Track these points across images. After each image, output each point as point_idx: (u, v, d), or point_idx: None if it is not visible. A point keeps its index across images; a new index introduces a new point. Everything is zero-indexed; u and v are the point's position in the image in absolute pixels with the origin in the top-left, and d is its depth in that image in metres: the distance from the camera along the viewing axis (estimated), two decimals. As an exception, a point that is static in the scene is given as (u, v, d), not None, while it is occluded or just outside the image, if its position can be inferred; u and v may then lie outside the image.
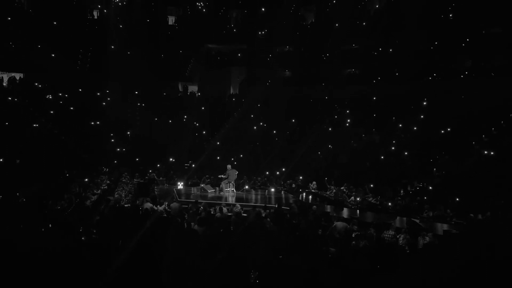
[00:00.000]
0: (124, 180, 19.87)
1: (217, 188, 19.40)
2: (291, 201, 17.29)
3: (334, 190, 18.80)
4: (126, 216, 11.74)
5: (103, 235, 9.76)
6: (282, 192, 20.44)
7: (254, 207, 14.36)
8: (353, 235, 11.15)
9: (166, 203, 14.62)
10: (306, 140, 23.18)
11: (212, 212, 14.03)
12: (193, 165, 23.59)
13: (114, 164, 22.89)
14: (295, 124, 25.68)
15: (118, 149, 23.67)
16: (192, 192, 19.19)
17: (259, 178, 22.34)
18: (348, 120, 24.73)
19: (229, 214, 13.65)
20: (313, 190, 19.98)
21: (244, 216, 13.54)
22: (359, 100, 24.84)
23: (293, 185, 21.09)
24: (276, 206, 14.87)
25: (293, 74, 29.40)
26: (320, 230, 11.88)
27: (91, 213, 13.61)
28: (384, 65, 25.08)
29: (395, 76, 24.91)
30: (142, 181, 20.73)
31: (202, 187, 19.43)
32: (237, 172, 18.90)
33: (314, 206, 14.98)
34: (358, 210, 16.58)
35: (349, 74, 28.35)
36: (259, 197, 18.74)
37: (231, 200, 17.28)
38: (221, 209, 13.40)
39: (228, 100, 29.72)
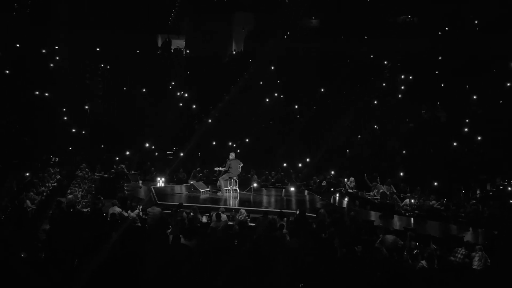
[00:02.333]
0: (81, 174, 19.97)
1: (212, 187, 19.50)
2: (318, 205, 17.27)
3: (381, 190, 18.73)
4: (83, 225, 11.81)
5: (52, 251, 9.85)
6: (306, 192, 20.48)
7: (266, 213, 14.31)
8: (407, 254, 11.08)
9: (141, 207, 14.74)
10: (340, 118, 23.22)
11: (205, 221, 14.14)
12: (180, 154, 23.65)
13: (68, 151, 23.02)
14: (325, 94, 25.68)
15: (73, 131, 23.88)
16: (178, 192, 19.26)
17: (273, 173, 22.41)
18: (402, 88, 24.57)
19: (230, 223, 13.71)
20: (350, 190, 20.03)
21: (251, 226, 13.59)
22: (417, 61, 24.74)
23: (323, 183, 21.19)
24: (298, 212, 14.88)
25: (322, 23, 29.11)
26: (360, 246, 11.88)
27: (35, 220, 13.71)
28: (454, 9, 24.86)
29: (471, 25, 24.63)
30: (106, 176, 20.89)
31: (192, 184, 19.48)
32: (242, 164, 18.92)
33: (352, 213, 14.97)
34: (414, 218, 16.57)
35: (403, 22, 28.04)
36: (272, 199, 18.75)
37: (233, 203, 17.31)
38: (218, 216, 13.43)
39: (229, 60, 29.58)
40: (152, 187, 19.47)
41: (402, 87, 24.61)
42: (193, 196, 18.19)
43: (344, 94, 25.34)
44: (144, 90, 25.86)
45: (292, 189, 20.12)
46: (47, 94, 23.59)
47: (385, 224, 14.76)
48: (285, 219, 13.93)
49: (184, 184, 20.49)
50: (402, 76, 25.02)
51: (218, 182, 18.92)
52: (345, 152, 23.63)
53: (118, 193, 17.52)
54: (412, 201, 17.67)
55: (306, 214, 14.55)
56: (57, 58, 25.26)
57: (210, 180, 21.04)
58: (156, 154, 24.21)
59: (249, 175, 21.15)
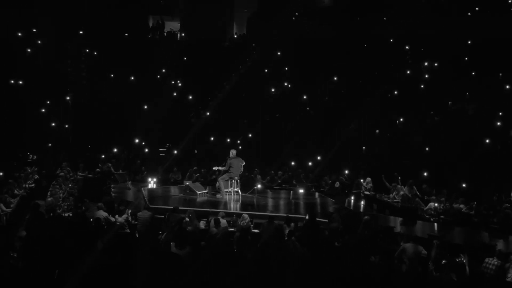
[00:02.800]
0: (62, 174, 19.94)
1: (210, 188, 19.54)
2: (331, 209, 17.24)
3: (401, 192, 18.70)
4: (65, 232, 11.78)
5: (30, 261, 9.83)
6: (317, 194, 20.51)
7: (272, 218, 14.26)
8: (433, 265, 11.03)
9: (130, 211, 14.69)
10: (356, 110, 23.26)
11: (202, 227, 14.11)
12: (173, 151, 23.66)
13: (47, 148, 23.06)
14: (339, 83, 25.64)
15: (53, 125, 23.92)
16: (172, 194, 19.30)
17: (279, 173, 22.40)
18: (426, 77, 24.53)
19: (231, 229, 13.69)
20: (367, 192, 20.04)
21: (255, 233, 13.59)
22: (443, 45, 24.66)
23: (336, 184, 21.22)
24: (307, 217, 14.82)
25: (336, 2, 29.01)
26: (377, 257, 11.85)
27: (9, 226, 13.69)
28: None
29: (505, 5, 24.62)
30: (90, 176, 20.89)
31: (187, 186, 19.44)
32: (244, 163, 18.85)
33: (367, 217, 14.90)
34: (440, 224, 16.51)
35: (426, 1, 27.88)
36: (279, 202, 18.72)
37: (234, 207, 17.31)
38: (217, 222, 13.38)
39: (230, 45, 29.53)
40: (142, 188, 19.48)
41: (426, 76, 24.46)
42: (189, 199, 18.14)
43: (360, 83, 25.31)
44: (132, 78, 25.85)
45: (301, 190, 20.09)
46: (21, 83, 23.55)
47: (407, 231, 14.58)
48: (293, 224, 13.88)
49: (179, 185, 20.48)
50: (426, 63, 24.85)
51: (217, 183, 18.84)
52: (361, 149, 23.60)
53: (104, 195, 17.49)
54: (437, 204, 17.54)
55: (317, 219, 14.45)
56: (36, 42, 25.22)
57: (208, 181, 21.02)
58: (147, 151, 24.22)
59: (252, 175, 21.10)
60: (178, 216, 13.89)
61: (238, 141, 23.78)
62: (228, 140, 24.00)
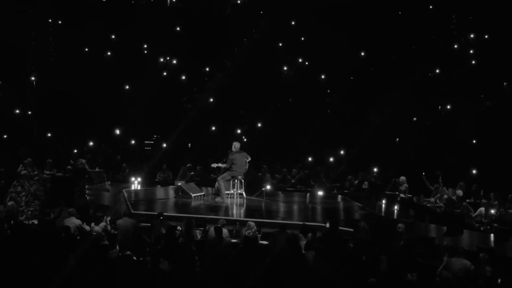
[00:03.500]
0: (25, 172, 19.83)
1: (208, 190, 19.56)
2: (357, 215, 17.29)
3: (445, 195, 18.66)
4: (29, 244, 11.81)
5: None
6: (340, 197, 20.56)
7: (284, 227, 14.21)
8: (484, 284, 11.04)
9: (109, 218, 14.72)
10: (389, 94, 23.25)
11: (198, 237, 14.13)
12: (162, 145, 23.77)
13: (4, 140, 23.30)
14: (368, 60, 25.71)
15: (17, 112, 24.05)
16: (160, 197, 19.37)
17: (293, 170, 22.48)
18: (474, 52, 24.42)
19: (234, 241, 13.69)
20: (402, 195, 20.04)
21: (263, 244, 13.65)
22: (495, 14, 24.40)
23: (363, 185, 21.27)
24: (328, 225, 14.83)
25: None
26: (415, 274, 11.88)
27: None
28: None
29: None
30: (60, 174, 20.94)
31: (180, 187, 19.46)
32: (249, 159, 18.86)
33: (401, 225, 14.88)
34: (492, 235, 16.44)
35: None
36: (294, 207, 18.76)
37: (238, 213, 17.37)
38: (219, 231, 13.35)
39: (232, 12, 29.41)
40: (124, 190, 19.56)
41: (475, 51, 24.34)
42: (181, 203, 18.22)
43: (393, 60, 25.30)
44: (109, 53, 25.87)
45: (320, 193, 20.17)
46: None
47: (452, 242, 14.55)
48: (310, 235, 13.80)
49: (170, 187, 20.60)
50: (472, 35, 24.77)
51: (217, 183, 18.88)
52: (395, 141, 23.56)
53: (77, 198, 17.65)
54: (494, 211, 17.50)
55: (340, 228, 14.47)
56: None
57: (206, 181, 21.14)
58: (130, 144, 24.31)
59: (260, 174, 21.19)
60: (167, 225, 13.94)
61: (239, 131, 23.94)
62: (231, 130, 24.10)
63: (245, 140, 22.47)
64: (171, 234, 13.02)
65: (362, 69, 25.59)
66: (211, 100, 25.21)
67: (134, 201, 17.86)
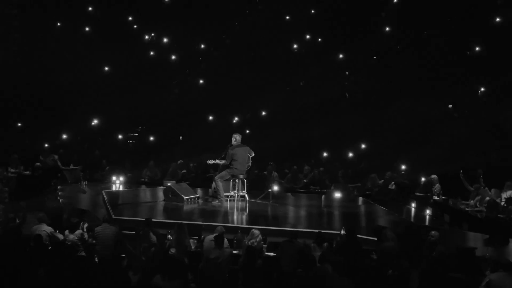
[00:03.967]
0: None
1: (203, 191, 19.45)
2: (382, 222, 17.20)
3: (487, 198, 18.44)
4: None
5: None
6: (361, 200, 20.62)
7: (294, 236, 14.12)
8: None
9: (86, 225, 14.56)
10: (418, 75, 23.30)
11: (192, 248, 14.01)
12: (149, 138, 23.96)
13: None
14: (394, 36, 25.55)
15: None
16: (146, 199, 19.37)
17: (305, 168, 22.56)
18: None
19: (235, 252, 13.60)
20: (435, 197, 19.95)
21: (269, 256, 13.51)
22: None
23: (390, 185, 21.24)
24: (343, 233, 14.64)
25: None
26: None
27: None
28: None
29: None
30: (28, 173, 20.98)
31: (170, 188, 19.40)
32: (253, 154, 18.79)
33: (434, 232, 14.66)
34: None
35: None
36: (306, 211, 18.75)
37: (239, 219, 17.42)
38: (220, 240, 13.16)
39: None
40: (103, 191, 19.60)
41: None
42: (171, 207, 18.23)
43: (424, 36, 25.11)
44: (88, 29, 25.89)
45: (338, 194, 20.10)
46: None
47: (495, 254, 14.43)
48: (326, 244, 13.80)
49: (158, 187, 20.65)
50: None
51: (214, 183, 18.85)
52: (426, 132, 23.60)
53: (48, 201, 17.55)
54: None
55: (360, 236, 14.53)
56: None
57: (200, 181, 21.22)
58: (111, 137, 24.36)
59: (266, 172, 21.25)
60: (156, 233, 13.90)
61: (240, 120, 23.46)
62: (232, 119, 24.11)
63: (247, 132, 22.22)
64: (163, 244, 13.07)
65: (387, 47, 25.31)
66: (207, 84, 24.88)
67: (115, 204, 17.80)
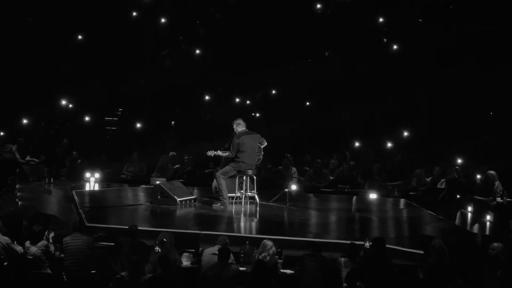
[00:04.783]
0: None
1: (201, 191, 19.55)
2: (429, 230, 17.28)
3: None
4: None
5: None
6: (403, 202, 20.72)
7: (317, 248, 14.17)
8: None
9: (52, 234, 14.67)
10: (475, 44, 23.43)
11: (186, 263, 14.13)
12: (135, 125, 24.16)
13: None
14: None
15: None
16: (129, 202, 19.48)
17: (332, 161, 22.69)
18: None
19: (243, 269, 13.68)
20: (499, 199, 19.89)
21: (286, 274, 13.63)
22: None
23: (440, 184, 21.27)
24: (367, 244, 14.76)
25: None
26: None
27: None
28: None
29: None
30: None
31: (159, 187, 19.48)
32: (265, 143, 18.83)
33: (496, 244, 14.77)
34: None
35: None
36: (333, 217, 18.81)
37: (247, 227, 17.55)
38: (224, 254, 13.26)
39: None
40: (74, 192, 19.66)
41: None
42: (160, 211, 18.37)
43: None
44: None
45: (374, 195, 20.33)
46: None
47: None
48: (359, 259, 13.72)
49: (143, 186, 20.81)
50: None
51: (215, 181, 18.93)
52: (486, 116, 23.77)
53: (4, 204, 17.76)
54: None
55: (402, 249, 14.76)
56: None
57: (198, 178, 21.41)
58: (83, 121, 24.47)
59: (281, 167, 21.33)
60: (142, 245, 13.99)
61: (248, 101, 23.76)
62: (235, 100, 24.07)
63: (257, 115, 22.31)
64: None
65: (436, 8, 25.30)
66: (206, 54, 25.05)
67: (89, 208, 17.88)
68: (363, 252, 14.24)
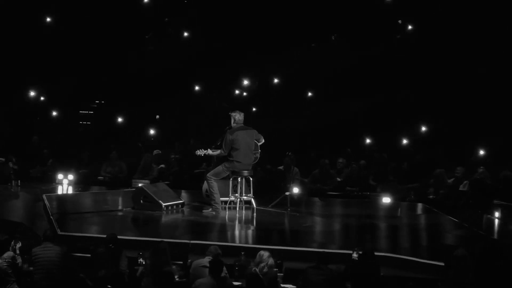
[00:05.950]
0: None
1: (189, 196, 19.53)
2: (450, 238, 17.44)
3: None
4: None
5: None
6: (421, 207, 20.66)
7: (323, 259, 14.22)
8: None
9: (19, 244, 14.67)
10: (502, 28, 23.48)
11: (176, 277, 13.99)
12: (117, 119, 24.19)
13: None
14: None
15: None
16: (108, 207, 19.51)
17: (339, 161, 22.82)
18: None
19: (237, 283, 13.71)
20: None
21: None
22: None
23: (462, 186, 21.17)
24: (355, 255, 14.71)
25: None
26: None
27: None
28: None
29: None
30: None
31: (142, 190, 19.50)
32: (263, 141, 18.82)
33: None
34: None
35: None
36: (340, 224, 18.91)
37: (242, 235, 17.67)
38: (217, 266, 13.27)
39: None
40: (45, 196, 19.66)
41: None
42: (143, 218, 18.45)
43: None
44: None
45: (387, 199, 20.33)
46: None
47: None
48: (370, 272, 13.69)
49: (124, 190, 20.81)
50: None
51: (206, 184, 19.01)
52: None
53: None
54: None
55: (419, 260, 14.73)
56: None
57: (186, 180, 21.41)
58: (54, 115, 24.54)
59: (282, 168, 21.38)
60: (122, 256, 13.96)
61: (237, 91, 23.80)
62: (231, 91, 24.17)
63: (254, 109, 22.33)
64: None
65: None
66: (195, 38, 25.02)
67: (62, 214, 17.90)
68: (352, 263, 14.20)
